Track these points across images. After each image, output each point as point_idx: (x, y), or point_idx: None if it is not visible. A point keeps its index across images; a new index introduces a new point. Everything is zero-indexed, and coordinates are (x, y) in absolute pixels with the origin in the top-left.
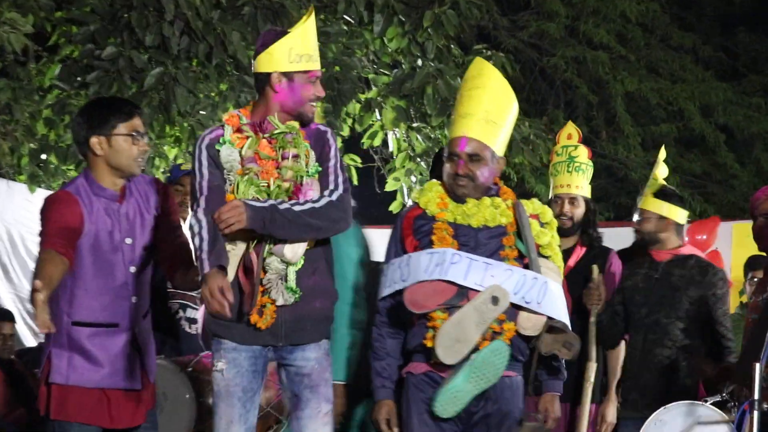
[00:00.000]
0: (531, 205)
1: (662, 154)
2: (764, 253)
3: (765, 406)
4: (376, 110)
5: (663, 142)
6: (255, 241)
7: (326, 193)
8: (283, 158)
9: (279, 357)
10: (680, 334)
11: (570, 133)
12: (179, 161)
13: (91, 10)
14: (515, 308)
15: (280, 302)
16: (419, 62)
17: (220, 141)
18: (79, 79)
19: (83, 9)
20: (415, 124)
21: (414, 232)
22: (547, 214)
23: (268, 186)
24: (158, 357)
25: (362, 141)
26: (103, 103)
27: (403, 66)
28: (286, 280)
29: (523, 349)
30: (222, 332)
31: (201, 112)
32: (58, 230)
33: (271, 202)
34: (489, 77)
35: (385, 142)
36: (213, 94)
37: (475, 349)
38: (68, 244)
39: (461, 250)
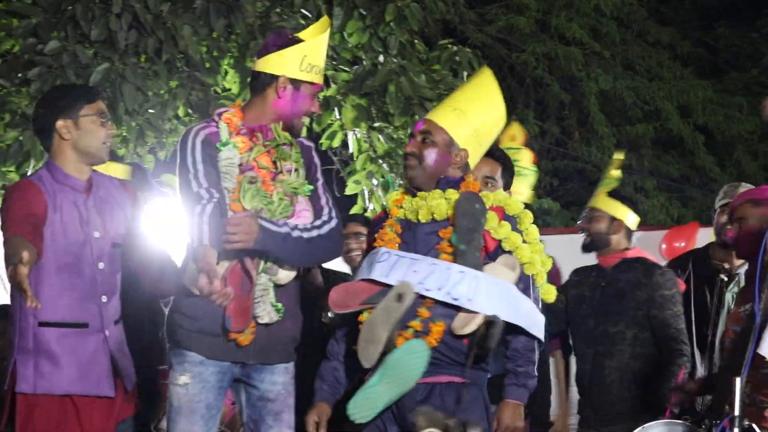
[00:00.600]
0: (492, 197)
1: (620, 155)
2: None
3: (746, 422)
4: (336, 109)
5: (639, 143)
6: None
7: (325, 218)
8: (282, 171)
9: (245, 375)
10: (630, 342)
11: (514, 134)
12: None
13: (33, 2)
14: (445, 306)
15: (265, 320)
16: (381, 58)
17: (223, 141)
18: (20, 75)
19: (24, 1)
20: (376, 124)
21: (374, 233)
22: (513, 205)
23: (271, 198)
24: None
25: (320, 142)
26: (66, 88)
27: (364, 62)
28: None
29: (461, 351)
30: (188, 344)
31: (150, 110)
32: (24, 217)
33: (286, 228)
34: (479, 76)
35: (345, 143)
36: (162, 91)
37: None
38: (35, 232)
39: (402, 246)
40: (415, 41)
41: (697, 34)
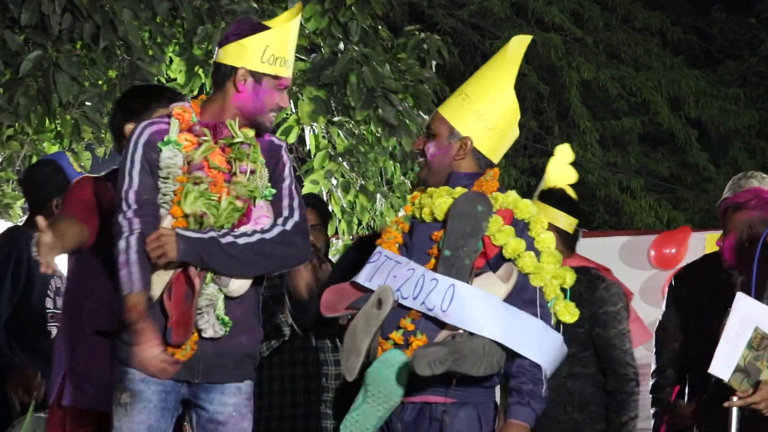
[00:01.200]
0: (501, 198)
1: (565, 152)
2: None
3: None
4: (291, 102)
5: (625, 139)
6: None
7: (279, 221)
8: (236, 172)
9: (193, 395)
10: (568, 361)
11: None
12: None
13: None
14: (432, 318)
15: (209, 334)
16: (341, 46)
17: (165, 140)
18: None
19: None
20: (336, 119)
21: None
22: (523, 208)
23: (219, 201)
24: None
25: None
26: (143, 90)
27: (323, 50)
28: (215, 309)
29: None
30: (128, 360)
31: (87, 102)
32: (78, 202)
33: (212, 233)
34: (498, 55)
35: (301, 139)
36: (101, 81)
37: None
38: (89, 215)
39: (401, 247)
40: (379, 27)
41: (689, 19)
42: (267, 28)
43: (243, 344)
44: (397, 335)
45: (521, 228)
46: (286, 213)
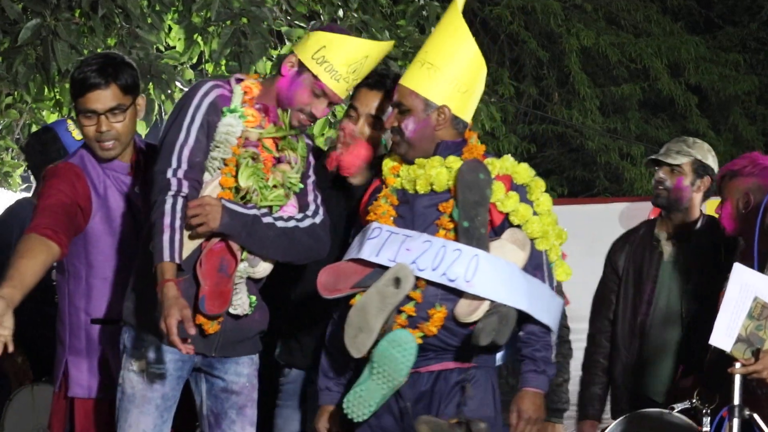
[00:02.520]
0: (499, 164)
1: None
2: (742, 239)
3: (746, 412)
4: None
5: (625, 105)
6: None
7: (309, 213)
8: (281, 160)
9: (207, 365)
10: None
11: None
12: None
13: None
14: (446, 288)
15: (237, 311)
16: (340, 13)
17: (232, 107)
18: None
19: None
20: None
21: (368, 205)
22: (522, 173)
23: (266, 181)
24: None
25: None
26: (76, 67)
27: (322, 17)
28: (246, 288)
29: (468, 336)
30: (146, 326)
31: None
32: (52, 209)
33: (255, 211)
34: (445, 15)
35: None
36: (99, 49)
37: None
38: (60, 226)
39: (397, 220)
40: None
41: None
42: (345, 34)
43: (257, 321)
44: (409, 308)
45: (522, 192)
46: (313, 207)
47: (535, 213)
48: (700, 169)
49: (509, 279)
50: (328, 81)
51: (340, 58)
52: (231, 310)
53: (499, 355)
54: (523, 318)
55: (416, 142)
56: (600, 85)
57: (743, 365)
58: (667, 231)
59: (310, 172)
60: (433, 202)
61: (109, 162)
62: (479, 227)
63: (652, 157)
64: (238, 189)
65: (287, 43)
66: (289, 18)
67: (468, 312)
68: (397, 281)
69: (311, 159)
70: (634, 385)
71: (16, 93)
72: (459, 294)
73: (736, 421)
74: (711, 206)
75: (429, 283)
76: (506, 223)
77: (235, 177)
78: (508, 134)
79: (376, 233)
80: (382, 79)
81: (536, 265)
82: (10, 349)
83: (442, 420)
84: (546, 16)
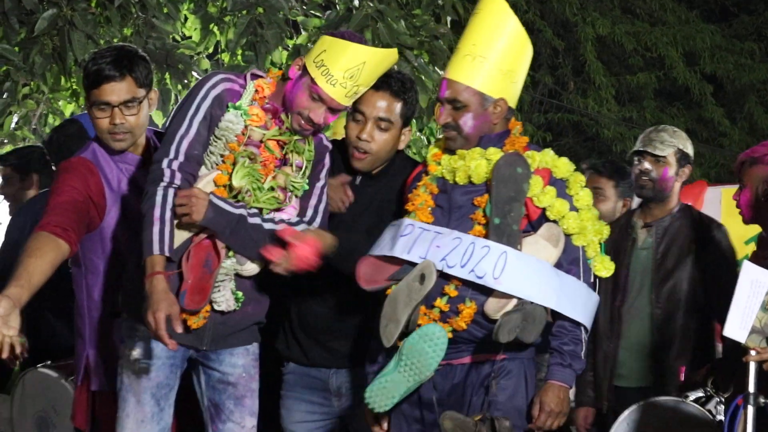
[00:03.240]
0: (539, 157)
1: None
2: (760, 227)
3: (762, 399)
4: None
5: (641, 94)
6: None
7: (306, 218)
8: (286, 163)
9: (202, 356)
10: None
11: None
12: None
13: None
14: (476, 284)
15: (221, 308)
16: (356, 2)
17: (237, 104)
18: None
19: None
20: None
21: (409, 191)
22: (562, 166)
23: (263, 183)
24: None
25: None
26: (89, 59)
27: (338, 6)
28: (231, 284)
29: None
30: (139, 317)
31: None
32: (63, 206)
33: (242, 211)
34: (483, 1)
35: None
36: (115, 39)
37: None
38: (70, 223)
39: (435, 210)
40: None
41: None
42: (347, 40)
43: (249, 314)
44: (442, 302)
45: (560, 187)
46: (311, 213)
47: (573, 208)
48: (683, 158)
49: (537, 276)
50: (323, 85)
51: (337, 62)
52: (215, 307)
53: None
54: (555, 314)
55: (474, 138)
56: (615, 74)
57: (758, 353)
58: (644, 220)
59: (322, 175)
60: (470, 195)
61: (121, 155)
62: (511, 224)
63: (637, 148)
64: (231, 187)
65: (303, 32)
66: (304, 8)
67: (497, 309)
68: (422, 277)
69: (327, 162)
70: (612, 374)
71: (32, 83)
72: (489, 291)
73: (750, 409)
74: (728, 193)
75: (459, 279)
76: (543, 217)
77: (230, 175)
78: (524, 123)
79: (409, 230)
80: (387, 80)
81: (572, 260)
82: (18, 350)
83: (466, 417)
84: (561, 5)
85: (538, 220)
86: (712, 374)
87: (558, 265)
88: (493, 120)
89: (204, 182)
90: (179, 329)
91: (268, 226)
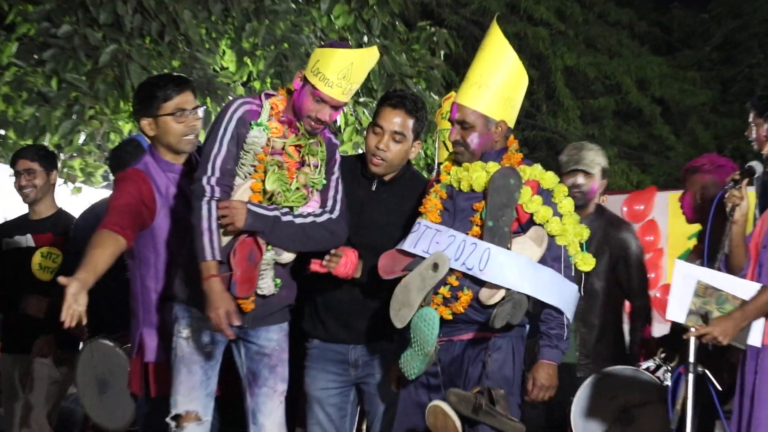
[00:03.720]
0: (529, 171)
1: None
2: (699, 224)
3: (699, 369)
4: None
5: (601, 115)
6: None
7: (327, 208)
8: (304, 164)
9: (243, 333)
10: None
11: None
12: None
13: None
14: (470, 277)
15: (264, 292)
16: (365, 39)
17: (258, 121)
18: (35, 56)
19: None
20: (362, 99)
21: (425, 194)
22: (548, 179)
23: (290, 185)
24: (100, 336)
25: None
26: (150, 83)
27: (350, 42)
28: (271, 272)
29: (490, 314)
30: (191, 300)
31: None
32: (120, 209)
33: (276, 212)
34: (488, 38)
35: None
36: (166, 70)
37: None
38: (127, 222)
39: (443, 215)
40: (396, 23)
41: (652, 14)
42: (334, 48)
43: (283, 297)
44: (444, 290)
45: (546, 196)
46: (331, 203)
47: (557, 214)
48: (604, 173)
49: (516, 268)
50: (323, 88)
51: (329, 67)
52: (258, 292)
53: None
54: (542, 303)
55: (479, 153)
56: (580, 98)
57: (696, 330)
58: None
59: (335, 169)
60: (471, 201)
61: (169, 164)
62: (503, 226)
63: (571, 168)
64: (265, 191)
65: None
66: (322, 43)
67: (488, 296)
68: (435, 266)
69: (338, 157)
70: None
71: (97, 106)
72: (483, 282)
73: (691, 376)
74: (674, 197)
75: (458, 271)
76: (531, 221)
77: (263, 181)
78: None
79: (416, 228)
80: (403, 100)
81: (555, 258)
82: (84, 322)
83: (467, 392)
84: (536, 41)
85: (527, 224)
86: (660, 347)
87: (543, 261)
88: (495, 138)
89: (241, 191)
90: (237, 322)
91: (299, 221)
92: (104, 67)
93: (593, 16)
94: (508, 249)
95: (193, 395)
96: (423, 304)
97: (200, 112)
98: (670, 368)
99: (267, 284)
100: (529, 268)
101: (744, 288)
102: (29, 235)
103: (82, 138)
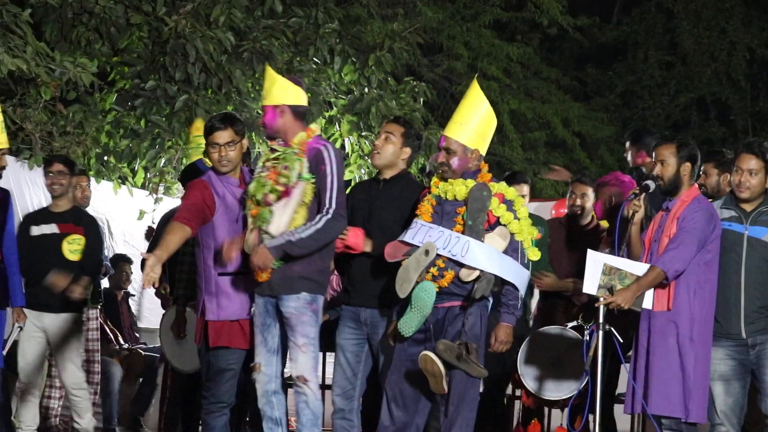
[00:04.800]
0: (497, 186)
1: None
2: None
3: (607, 327)
4: (336, 123)
5: (536, 144)
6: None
7: (324, 211)
8: (281, 168)
9: (276, 304)
10: None
11: (198, 126)
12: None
13: (137, 56)
14: (455, 261)
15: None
16: (366, 90)
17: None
18: (129, 103)
19: (132, 55)
20: (364, 133)
21: (418, 203)
22: (510, 193)
23: (267, 180)
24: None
25: None
26: (208, 120)
27: (355, 93)
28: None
29: (467, 289)
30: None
31: None
32: (187, 206)
33: (287, 238)
34: (469, 91)
35: (342, 146)
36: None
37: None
38: (192, 216)
39: (433, 215)
40: (389, 78)
41: (573, 72)
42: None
43: (296, 271)
44: (434, 270)
45: (509, 204)
46: (327, 204)
47: (516, 217)
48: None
49: (488, 256)
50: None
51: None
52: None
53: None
54: (503, 281)
55: (459, 172)
56: (521, 132)
57: (605, 299)
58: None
59: (326, 172)
60: (454, 207)
61: (226, 177)
62: (479, 225)
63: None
64: (256, 202)
65: (334, 108)
66: (335, 93)
67: (467, 275)
68: (427, 252)
69: (326, 160)
70: None
71: (174, 140)
72: (461, 265)
73: (600, 333)
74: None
75: (443, 257)
76: (497, 222)
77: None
78: None
79: (413, 225)
80: (398, 118)
81: (514, 249)
82: (157, 285)
83: (453, 343)
84: (489, 91)
85: (495, 224)
86: (582, 312)
87: (505, 252)
88: (470, 162)
89: (252, 237)
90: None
91: (305, 234)
92: (178, 111)
93: (530, 74)
94: (482, 242)
95: (258, 351)
96: (419, 280)
97: (238, 146)
98: (587, 327)
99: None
100: (497, 255)
101: (637, 267)
102: (54, 224)
103: (162, 162)
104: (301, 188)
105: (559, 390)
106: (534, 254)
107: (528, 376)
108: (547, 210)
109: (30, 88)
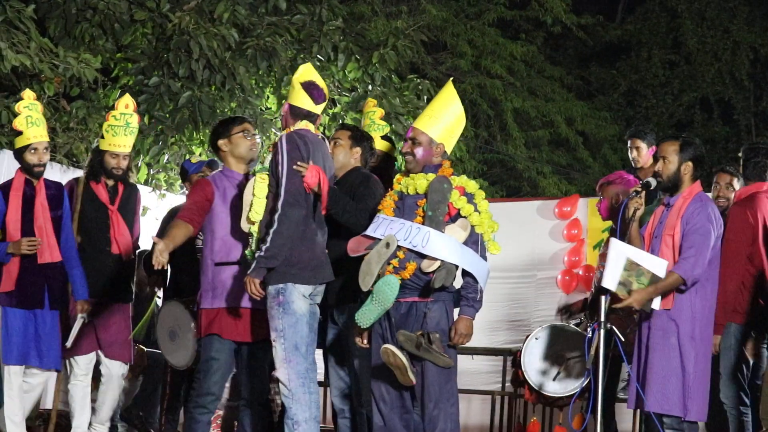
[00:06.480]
0: (458, 180)
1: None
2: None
3: (608, 325)
4: (340, 120)
5: (540, 142)
6: None
7: (278, 205)
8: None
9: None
10: None
11: (127, 103)
12: (203, 157)
13: (141, 52)
14: (416, 252)
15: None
16: (369, 87)
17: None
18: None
19: (135, 51)
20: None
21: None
22: (471, 186)
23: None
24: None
25: None
26: (227, 119)
27: (359, 90)
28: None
29: (428, 281)
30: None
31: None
32: (191, 205)
33: (258, 254)
34: (443, 90)
35: None
36: (227, 110)
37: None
38: (194, 215)
39: (395, 210)
40: (392, 76)
41: (577, 71)
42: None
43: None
44: (395, 261)
45: (470, 197)
46: (280, 195)
47: (476, 210)
48: None
49: (448, 246)
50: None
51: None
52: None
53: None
54: (464, 273)
55: (422, 163)
56: (524, 130)
57: (622, 300)
58: None
59: (278, 160)
60: (416, 200)
61: (230, 171)
62: (439, 216)
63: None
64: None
65: (338, 105)
66: (339, 90)
67: (428, 265)
68: (388, 245)
69: (279, 149)
70: None
71: (177, 136)
72: (423, 256)
73: (602, 331)
74: (592, 202)
75: (405, 248)
76: (458, 214)
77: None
78: (470, 159)
79: (376, 220)
80: (345, 125)
81: (474, 241)
82: (164, 267)
83: (412, 333)
84: (493, 90)
85: (455, 216)
86: (585, 309)
87: (465, 243)
88: (434, 154)
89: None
90: None
91: (270, 244)
92: (182, 108)
93: (534, 72)
94: (443, 233)
95: None
96: (381, 273)
97: (257, 138)
98: (589, 324)
99: None
100: (457, 246)
101: (656, 264)
102: None
103: (166, 158)
104: (251, 183)
105: (562, 387)
106: (495, 248)
107: (531, 369)
108: (549, 209)
109: (33, 83)
